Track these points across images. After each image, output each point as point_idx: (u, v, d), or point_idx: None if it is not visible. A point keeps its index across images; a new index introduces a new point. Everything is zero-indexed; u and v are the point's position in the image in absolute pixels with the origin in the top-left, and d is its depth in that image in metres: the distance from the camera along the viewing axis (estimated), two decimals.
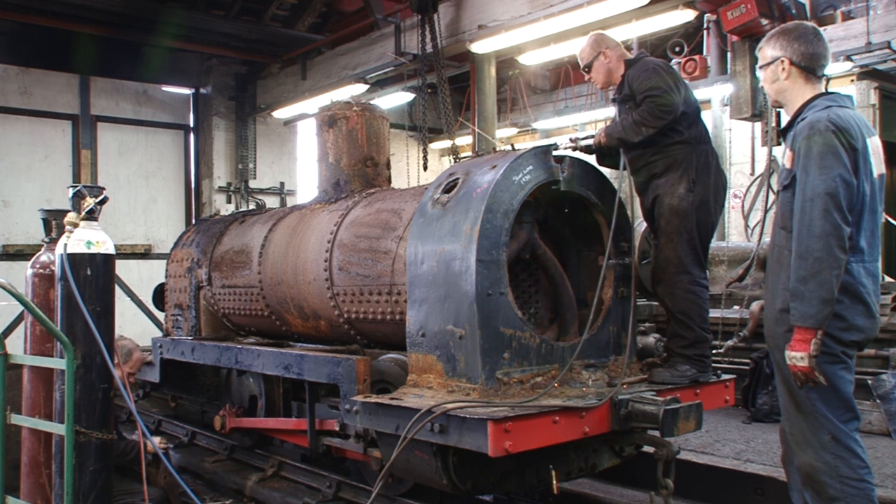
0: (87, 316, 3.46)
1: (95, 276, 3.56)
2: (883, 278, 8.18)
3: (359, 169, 5.34)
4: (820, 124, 2.97)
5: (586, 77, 4.53)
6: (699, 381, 4.05)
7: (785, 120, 3.34)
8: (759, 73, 3.37)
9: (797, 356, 2.94)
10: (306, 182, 13.66)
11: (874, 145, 3.09)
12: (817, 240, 2.88)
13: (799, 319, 2.93)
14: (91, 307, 3.50)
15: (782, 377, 3.14)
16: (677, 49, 10.01)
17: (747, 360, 6.90)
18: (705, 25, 9.67)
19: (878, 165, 3.09)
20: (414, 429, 3.34)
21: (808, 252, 2.90)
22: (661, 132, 4.02)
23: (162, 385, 6.60)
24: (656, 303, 5.00)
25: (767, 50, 3.26)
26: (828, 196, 2.89)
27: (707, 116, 6.39)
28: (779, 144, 6.37)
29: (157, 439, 4.90)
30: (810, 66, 3.16)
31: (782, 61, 3.19)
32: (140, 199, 12.22)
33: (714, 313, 5.62)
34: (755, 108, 6.61)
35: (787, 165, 3.12)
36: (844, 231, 2.89)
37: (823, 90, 3.21)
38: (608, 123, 4.34)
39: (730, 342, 7.19)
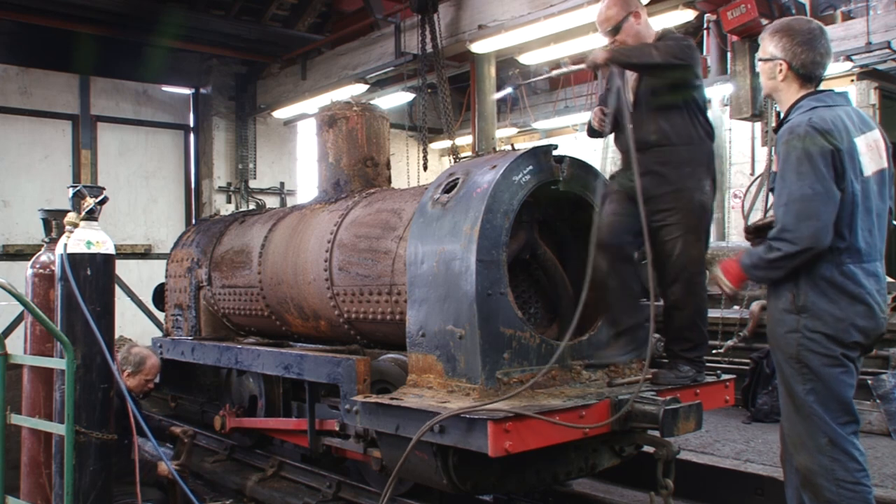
0: (87, 316, 3.46)
1: (95, 276, 3.56)
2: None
3: (359, 169, 5.35)
4: (799, 129, 2.94)
5: (609, 41, 3.92)
6: (698, 380, 4.05)
7: None
8: (758, 63, 3.32)
9: (726, 284, 3.22)
10: (306, 182, 13.65)
11: (870, 141, 3.03)
12: (788, 244, 2.92)
13: (745, 269, 3.13)
14: (91, 307, 3.49)
15: (783, 378, 3.13)
16: None
17: (747, 360, 6.90)
18: (705, 25, 9.66)
19: (875, 161, 3.03)
20: (421, 431, 3.31)
21: (778, 246, 2.95)
22: (690, 122, 3.86)
23: (162, 385, 6.61)
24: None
25: (769, 45, 3.15)
26: (802, 203, 2.89)
27: None
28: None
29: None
30: (808, 73, 3.12)
31: (781, 64, 3.12)
32: (140, 199, 12.22)
33: (714, 313, 5.62)
34: (755, 108, 6.61)
35: (774, 167, 3.10)
36: (821, 240, 2.89)
37: (814, 89, 3.15)
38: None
39: (730, 342, 7.19)
